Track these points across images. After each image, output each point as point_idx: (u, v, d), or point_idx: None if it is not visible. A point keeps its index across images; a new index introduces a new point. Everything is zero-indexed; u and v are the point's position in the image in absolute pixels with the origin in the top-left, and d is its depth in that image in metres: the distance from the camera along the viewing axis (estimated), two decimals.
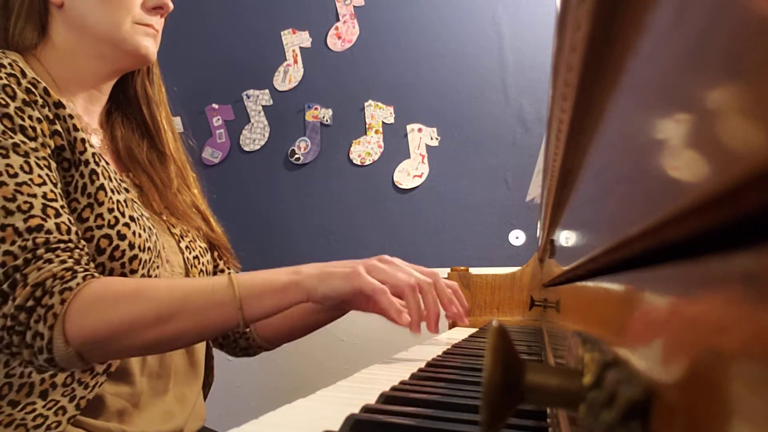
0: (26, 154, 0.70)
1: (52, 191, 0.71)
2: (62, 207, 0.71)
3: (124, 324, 0.67)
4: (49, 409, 0.74)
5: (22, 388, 0.75)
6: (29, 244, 0.67)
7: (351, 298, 0.76)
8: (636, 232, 0.16)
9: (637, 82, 0.17)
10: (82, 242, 0.72)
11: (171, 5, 0.87)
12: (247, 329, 0.99)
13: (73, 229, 0.71)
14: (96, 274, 0.70)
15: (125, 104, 0.94)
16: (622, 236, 0.18)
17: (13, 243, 0.66)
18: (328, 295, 0.73)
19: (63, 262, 0.68)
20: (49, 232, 0.68)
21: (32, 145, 0.71)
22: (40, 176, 0.70)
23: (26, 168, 0.69)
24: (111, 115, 0.93)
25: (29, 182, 0.69)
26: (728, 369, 0.10)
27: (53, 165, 0.73)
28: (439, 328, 0.84)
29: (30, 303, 0.65)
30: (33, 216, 0.68)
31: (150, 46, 0.86)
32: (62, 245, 0.69)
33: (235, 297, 0.70)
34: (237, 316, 0.70)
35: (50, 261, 0.67)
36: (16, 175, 0.68)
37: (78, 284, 0.67)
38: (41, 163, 0.71)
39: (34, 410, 0.74)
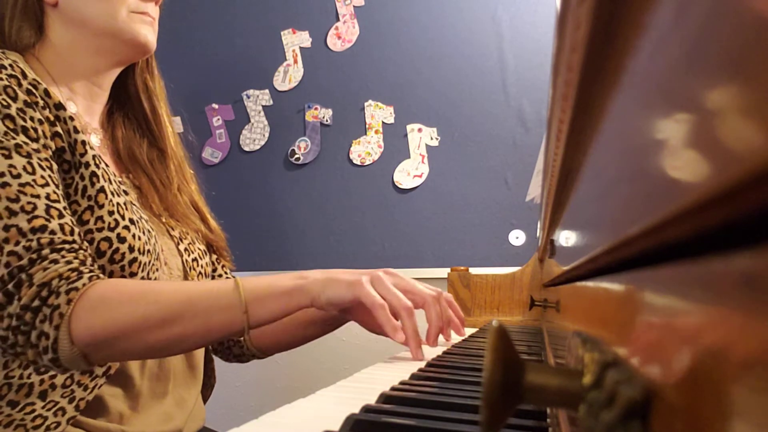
0: (29, 155, 0.70)
1: (54, 192, 0.71)
2: (65, 208, 0.71)
3: (129, 325, 0.67)
4: (49, 409, 0.74)
5: (21, 389, 0.75)
6: (33, 244, 0.67)
7: (352, 307, 0.77)
8: (636, 232, 0.16)
9: (637, 82, 0.17)
10: (85, 243, 0.72)
11: None
12: (242, 337, 0.99)
13: (76, 230, 0.71)
14: (101, 275, 0.70)
15: (126, 101, 0.94)
16: (622, 236, 0.18)
17: (17, 243, 0.66)
18: (331, 301, 0.73)
19: (69, 262, 0.68)
20: (53, 232, 0.68)
21: (34, 146, 0.71)
22: (42, 177, 0.70)
23: (29, 169, 0.69)
24: (112, 115, 0.93)
25: (32, 183, 0.69)
26: (728, 369, 0.10)
27: (55, 167, 0.73)
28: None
29: (36, 303, 0.65)
30: (37, 216, 0.68)
31: (148, 33, 0.86)
32: (67, 246, 0.69)
33: (241, 300, 0.70)
34: (242, 319, 0.70)
35: (56, 261, 0.67)
36: (19, 176, 0.68)
37: (84, 284, 0.67)
38: (44, 164, 0.71)
39: (33, 411, 0.74)
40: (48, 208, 0.69)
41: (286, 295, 0.72)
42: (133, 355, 0.75)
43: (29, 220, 0.67)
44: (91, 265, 0.71)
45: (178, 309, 0.68)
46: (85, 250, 0.71)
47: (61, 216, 0.70)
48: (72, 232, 0.70)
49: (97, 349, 0.67)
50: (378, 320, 0.73)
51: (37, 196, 0.68)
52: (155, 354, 0.77)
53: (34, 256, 0.66)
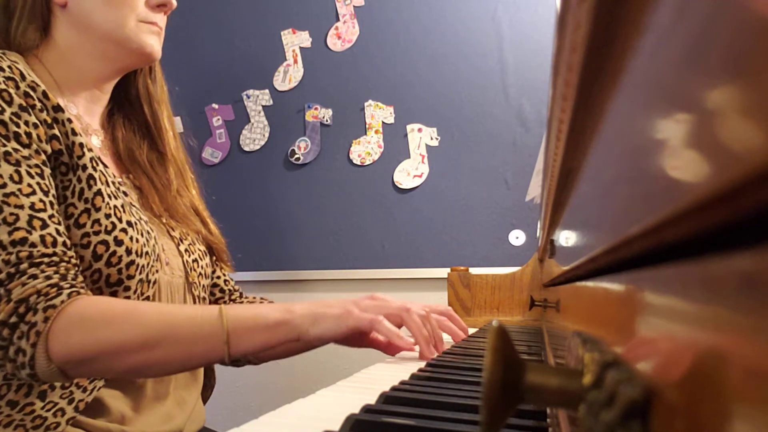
0: (17, 163, 0.69)
1: (41, 201, 0.69)
2: (51, 216, 0.70)
3: (109, 346, 0.66)
4: (48, 410, 0.74)
5: (20, 389, 0.75)
6: (13, 258, 0.66)
7: (344, 339, 0.77)
8: (636, 232, 0.16)
9: (637, 82, 0.17)
10: (69, 254, 0.71)
11: (174, 3, 0.87)
12: None
13: (60, 240, 0.70)
14: (82, 291, 0.69)
15: (127, 104, 0.94)
16: (622, 236, 0.18)
17: None
18: (320, 337, 0.73)
19: (48, 277, 0.67)
20: (33, 245, 0.67)
21: (25, 152, 0.70)
22: (29, 185, 0.69)
23: (16, 177, 0.68)
24: (113, 116, 0.93)
25: (17, 193, 0.68)
26: (728, 369, 0.10)
27: (47, 172, 0.72)
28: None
29: (13, 319, 0.65)
30: (18, 228, 0.67)
31: (155, 44, 0.86)
32: (46, 259, 0.68)
33: (223, 330, 0.70)
34: (223, 349, 0.70)
35: (35, 276, 0.66)
36: (4, 186, 0.67)
37: (62, 301, 0.66)
38: (33, 171, 0.70)
39: (32, 411, 0.74)
40: (31, 218, 0.68)
41: (270, 329, 0.72)
42: (112, 374, 0.74)
43: (10, 233, 0.66)
44: (74, 279, 0.69)
45: (160, 334, 0.68)
46: (68, 262, 0.70)
47: (44, 226, 0.68)
48: (54, 244, 0.69)
49: (74, 367, 0.66)
50: (381, 333, 0.74)
51: (21, 207, 0.67)
52: (134, 375, 0.76)
53: (13, 270, 0.65)
